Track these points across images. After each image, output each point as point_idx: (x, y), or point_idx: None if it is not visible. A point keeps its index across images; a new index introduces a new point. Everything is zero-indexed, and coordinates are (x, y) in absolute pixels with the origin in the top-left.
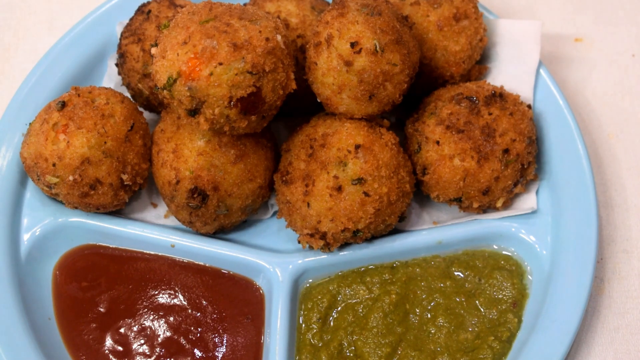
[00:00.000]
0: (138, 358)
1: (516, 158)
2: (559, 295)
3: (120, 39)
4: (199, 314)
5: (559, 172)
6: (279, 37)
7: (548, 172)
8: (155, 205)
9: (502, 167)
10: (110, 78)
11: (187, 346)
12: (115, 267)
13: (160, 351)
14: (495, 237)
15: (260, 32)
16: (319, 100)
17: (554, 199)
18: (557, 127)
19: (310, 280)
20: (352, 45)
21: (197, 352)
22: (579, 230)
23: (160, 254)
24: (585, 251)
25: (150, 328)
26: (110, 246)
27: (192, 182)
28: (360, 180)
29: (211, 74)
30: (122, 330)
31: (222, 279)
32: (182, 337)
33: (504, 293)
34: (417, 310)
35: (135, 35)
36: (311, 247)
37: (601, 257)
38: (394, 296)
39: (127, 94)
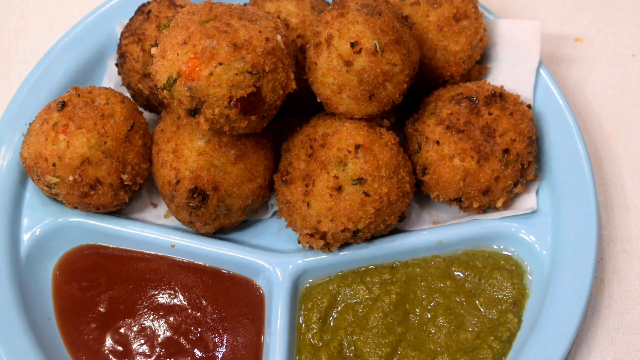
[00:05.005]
0: (138, 358)
1: (516, 158)
2: (559, 295)
3: (120, 39)
4: (199, 314)
5: (559, 172)
6: (279, 37)
7: (548, 172)
8: (155, 205)
9: (502, 167)
10: (110, 78)
11: (187, 346)
12: (115, 267)
13: (160, 351)
14: (495, 237)
15: (260, 32)
16: (319, 100)
17: (554, 199)
18: (557, 127)
19: (310, 280)
20: (352, 45)
21: (197, 352)
22: (579, 230)
23: (160, 254)
24: (585, 251)
25: (150, 328)
26: (110, 246)
27: (192, 182)
28: (360, 180)
29: (211, 74)
30: (122, 330)
31: (222, 279)
32: (182, 337)
33: (504, 293)
34: (417, 310)
35: (135, 35)
36: (311, 247)
37: (601, 257)
38: (394, 296)
39: (127, 94)
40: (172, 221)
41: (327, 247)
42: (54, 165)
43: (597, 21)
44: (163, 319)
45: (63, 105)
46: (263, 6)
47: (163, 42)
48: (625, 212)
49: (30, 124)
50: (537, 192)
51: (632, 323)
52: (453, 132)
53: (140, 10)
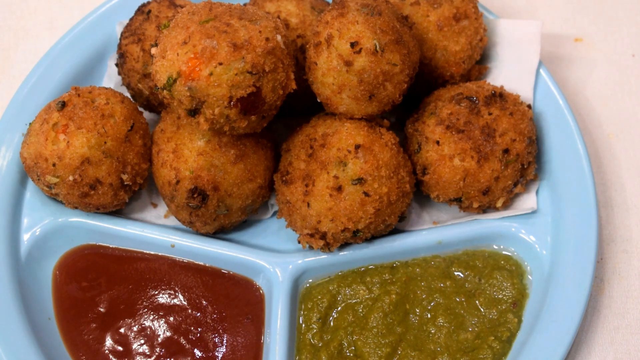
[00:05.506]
0: (138, 358)
1: (516, 158)
2: (559, 295)
3: (120, 39)
4: (199, 314)
5: (559, 172)
6: (279, 37)
7: (548, 172)
8: (155, 205)
9: (502, 167)
10: (110, 78)
11: (187, 346)
12: (115, 267)
13: (160, 351)
14: (495, 237)
15: (260, 32)
16: (319, 100)
17: (554, 199)
18: (557, 127)
19: (310, 280)
20: (352, 45)
21: (197, 352)
22: (579, 230)
23: (160, 254)
24: (585, 251)
25: (150, 328)
26: (110, 246)
27: (192, 182)
28: (360, 180)
29: (211, 74)
30: (122, 330)
31: (222, 279)
32: (182, 337)
33: (504, 293)
34: (417, 310)
35: (135, 35)
36: (311, 247)
37: (601, 257)
38: (394, 296)
39: (127, 94)
40: (172, 221)
41: (327, 247)
42: (54, 165)
43: (597, 21)
44: (163, 319)
45: (63, 105)
46: (263, 6)
47: (163, 42)
48: (625, 212)
49: (30, 124)
50: (537, 192)
51: (632, 323)
52: (453, 132)
53: (140, 10)
